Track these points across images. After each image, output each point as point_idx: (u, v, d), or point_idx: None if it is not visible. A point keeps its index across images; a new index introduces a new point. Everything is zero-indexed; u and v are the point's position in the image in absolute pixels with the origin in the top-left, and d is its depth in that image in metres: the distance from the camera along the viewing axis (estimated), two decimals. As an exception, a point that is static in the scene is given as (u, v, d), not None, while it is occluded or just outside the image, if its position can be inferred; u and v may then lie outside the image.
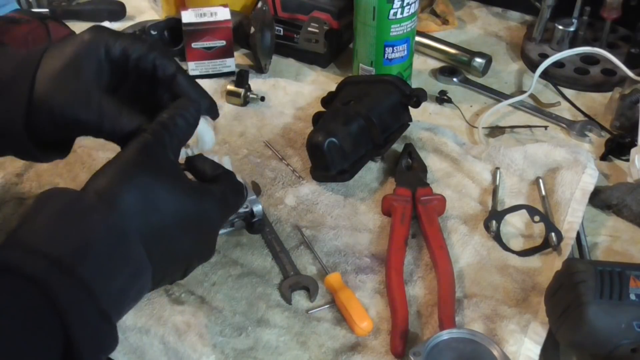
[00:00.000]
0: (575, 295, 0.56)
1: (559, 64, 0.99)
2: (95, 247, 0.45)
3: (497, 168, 0.80)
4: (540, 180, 0.78)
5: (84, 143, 0.82)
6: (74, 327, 0.41)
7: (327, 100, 0.86)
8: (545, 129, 0.90)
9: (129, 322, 0.62)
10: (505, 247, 0.71)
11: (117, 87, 0.58)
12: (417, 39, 1.00)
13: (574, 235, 0.71)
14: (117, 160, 0.50)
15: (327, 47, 1.00)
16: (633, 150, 0.80)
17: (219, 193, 0.55)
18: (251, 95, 0.93)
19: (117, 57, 0.56)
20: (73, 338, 0.41)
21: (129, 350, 0.61)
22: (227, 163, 0.71)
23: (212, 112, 0.60)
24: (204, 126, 0.59)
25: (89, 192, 0.47)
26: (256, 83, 0.97)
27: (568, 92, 0.97)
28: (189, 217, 0.51)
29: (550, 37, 1.03)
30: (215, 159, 0.62)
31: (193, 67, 0.98)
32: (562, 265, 0.61)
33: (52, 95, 0.53)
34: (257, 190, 0.78)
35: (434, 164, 0.82)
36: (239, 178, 0.60)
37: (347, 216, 0.76)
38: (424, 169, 0.80)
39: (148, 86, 0.58)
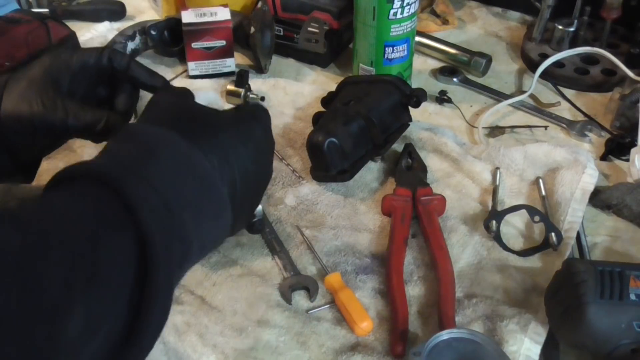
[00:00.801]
0: (576, 295, 0.56)
1: (559, 64, 0.99)
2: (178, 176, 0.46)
3: (497, 168, 0.80)
4: (540, 180, 0.78)
5: (84, 142, 0.82)
6: (149, 227, 0.41)
7: (327, 100, 0.86)
8: (545, 129, 0.90)
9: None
10: (505, 247, 0.71)
11: (79, 90, 0.64)
12: (417, 39, 1.00)
13: (574, 235, 0.71)
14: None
15: (327, 47, 1.00)
16: (633, 150, 0.80)
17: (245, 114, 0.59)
18: (251, 95, 0.93)
19: (77, 69, 0.63)
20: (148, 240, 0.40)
21: (129, 350, 0.61)
22: None
23: (168, 88, 0.68)
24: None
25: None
26: (256, 83, 0.97)
27: (568, 92, 0.97)
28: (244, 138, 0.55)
29: (550, 37, 1.03)
30: None
31: (193, 67, 0.98)
32: (562, 265, 0.61)
33: (19, 108, 0.59)
34: (257, 190, 0.78)
35: (434, 164, 0.82)
36: None
37: (347, 216, 0.76)
38: (424, 169, 0.80)
39: (108, 79, 0.66)
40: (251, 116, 0.59)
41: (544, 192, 0.77)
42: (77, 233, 0.39)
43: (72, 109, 0.60)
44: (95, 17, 1.13)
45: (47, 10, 1.12)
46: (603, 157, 0.85)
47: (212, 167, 0.49)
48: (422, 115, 0.92)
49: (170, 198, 0.44)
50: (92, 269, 0.38)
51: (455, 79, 1.00)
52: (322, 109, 0.85)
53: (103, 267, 0.39)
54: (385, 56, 0.91)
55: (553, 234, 0.70)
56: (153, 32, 1.00)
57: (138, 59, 1.01)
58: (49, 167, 0.81)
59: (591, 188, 0.76)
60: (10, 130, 0.59)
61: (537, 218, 0.71)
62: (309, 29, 1.00)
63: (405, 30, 0.90)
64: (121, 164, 0.44)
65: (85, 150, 0.83)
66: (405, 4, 0.86)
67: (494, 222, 0.72)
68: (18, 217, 0.38)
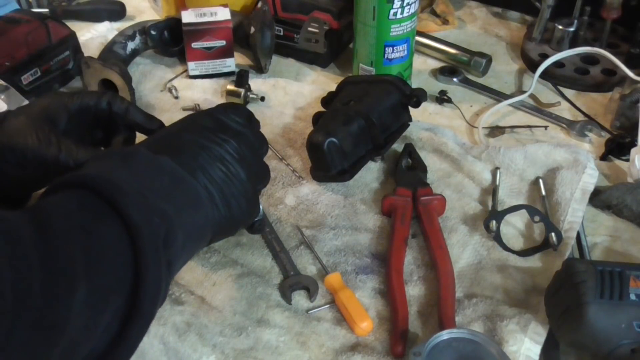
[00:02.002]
0: (576, 295, 0.56)
1: (559, 64, 0.99)
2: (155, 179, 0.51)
3: (497, 168, 0.80)
4: (540, 180, 0.78)
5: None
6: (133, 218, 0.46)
7: (327, 100, 0.86)
8: (545, 129, 0.90)
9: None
10: (505, 247, 0.71)
11: (76, 130, 0.65)
12: (417, 39, 1.00)
13: (574, 235, 0.71)
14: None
15: (327, 47, 1.00)
16: (633, 150, 0.80)
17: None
18: (251, 95, 0.93)
19: (75, 110, 0.65)
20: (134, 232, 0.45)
21: (129, 350, 0.61)
22: None
23: None
24: None
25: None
26: (256, 83, 0.97)
27: (568, 92, 0.97)
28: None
29: (550, 37, 1.03)
30: None
31: (193, 67, 0.98)
32: (562, 265, 0.61)
33: (14, 139, 0.60)
34: (257, 190, 0.78)
35: (434, 164, 0.82)
36: None
37: (347, 216, 0.76)
38: (424, 169, 0.80)
39: (106, 122, 0.67)
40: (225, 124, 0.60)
41: (544, 192, 0.77)
42: (70, 226, 0.43)
43: (66, 145, 0.61)
44: (95, 17, 1.13)
45: (47, 10, 1.13)
46: (603, 157, 0.85)
47: (179, 166, 0.53)
48: (422, 115, 0.92)
49: (143, 188, 0.49)
50: (88, 251, 0.43)
51: (455, 79, 1.00)
52: (322, 109, 0.85)
53: (96, 249, 0.44)
54: (385, 56, 0.91)
55: (553, 234, 0.70)
56: (153, 32, 1.00)
57: (138, 58, 1.01)
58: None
59: (591, 188, 0.76)
60: (1, 160, 0.60)
61: (537, 218, 0.71)
62: (309, 29, 1.00)
63: (405, 30, 0.90)
64: (97, 173, 0.49)
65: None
66: (405, 4, 0.86)
67: (494, 222, 0.72)
68: (25, 214, 0.42)
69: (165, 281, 0.47)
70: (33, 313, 0.37)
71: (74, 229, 0.43)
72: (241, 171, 0.57)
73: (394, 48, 0.91)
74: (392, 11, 0.87)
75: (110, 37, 1.01)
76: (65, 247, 0.41)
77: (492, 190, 0.78)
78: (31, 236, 0.40)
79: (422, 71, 1.03)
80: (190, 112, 0.91)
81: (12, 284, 0.36)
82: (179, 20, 0.96)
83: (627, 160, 0.81)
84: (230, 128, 0.59)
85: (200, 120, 0.60)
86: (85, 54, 0.97)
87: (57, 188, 0.48)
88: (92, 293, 0.41)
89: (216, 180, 0.55)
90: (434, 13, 1.13)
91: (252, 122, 0.64)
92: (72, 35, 0.97)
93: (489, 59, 1.02)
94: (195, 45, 0.96)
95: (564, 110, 0.94)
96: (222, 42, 0.96)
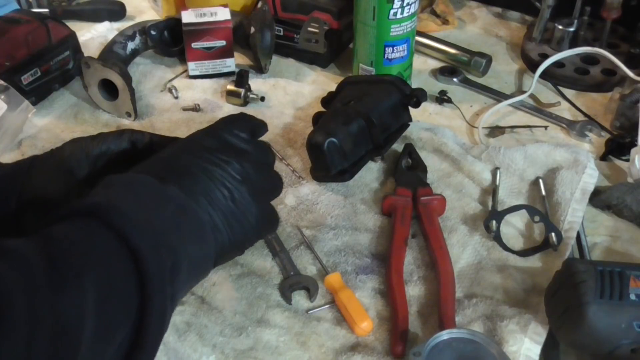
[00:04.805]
0: (576, 295, 0.56)
1: (559, 64, 0.99)
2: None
3: (497, 168, 0.80)
4: (540, 180, 0.78)
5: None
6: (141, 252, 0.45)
7: (327, 100, 0.86)
8: (545, 129, 0.90)
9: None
10: (505, 247, 0.71)
11: (99, 174, 0.63)
12: (417, 39, 1.00)
13: (574, 235, 0.71)
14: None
15: (327, 47, 1.00)
16: (633, 150, 0.80)
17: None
18: (251, 95, 0.93)
19: (97, 154, 0.63)
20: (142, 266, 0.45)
21: (129, 350, 0.61)
22: None
23: None
24: None
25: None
26: (256, 83, 0.97)
27: (568, 92, 0.97)
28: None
29: (550, 37, 1.03)
30: None
31: (193, 67, 0.98)
32: (562, 265, 0.61)
33: (39, 192, 0.60)
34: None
35: (434, 164, 0.82)
36: None
37: (347, 216, 0.76)
38: (424, 169, 0.80)
39: (130, 158, 0.64)
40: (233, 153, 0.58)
41: (544, 192, 0.77)
42: (80, 259, 0.43)
43: (85, 193, 0.60)
44: (95, 17, 1.13)
45: (47, 10, 1.13)
46: (603, 157, 0.85)
47: (182, 192, 0.53)
48: (422, 115, 0.92)
49: (151, 219, 0.48)
50: (97, 284, 0.43)
51: (455, 79, 1.00)
52: (322, 109, 0.85)
53: (105, 282, 0.44)
54: (385, 56, 0.91)
55: (553, 234, 0.70)
56: (153, 32, 1.00)
57: (138, 58, 1.01)
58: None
59: (591, 188, 0.76)
60: (23, 213, 0.60)
61: (537, 218, 0.71)
62: (309, 29, 1.00)
63: (405, 30, 0.90)
64: (107, 202, 0.48)
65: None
66: (405, 4, 0.86)
67: (494, 222, 0.72)
68: (33, 243, 0.43)
69: (169, 314, 0.48)
70: (44, 344, 0.38)
71: (84, 263, 0.43)
72: (245, 192, 0.56)
73: (394, 48, 0.91)
74: (392, 11, 0.87)
75: (110, 37, 1.01)
76: (75, 281, 0.41)
77: (492, 190, 0.78)
78: (42, 268, 0.40)
79: (422, 71, 1.03)
80: (190, 112, 0.92)
81: (25, 313, 0.37)
82: (179, 20, 0.96)
83: (627, 160, 0.81)
84: (232, 146, 0.58)
85: (201, 140, 0.58)
86: (85, 54, 0.97)
87: (66, 216, 0.47)
88: (100, 328, 0.42)
89: (219, 206, 0.54)
90: (434, 13, 1.13)
91: (257, 134, 0.62)
92: (72, 35, 0.97)
93: (489, 59, 1.02)
94: (195, 45, 0.96)
95: (564, 110, 0.94)
96: (222, 42, 0.96)
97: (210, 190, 0.55)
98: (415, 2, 0.88)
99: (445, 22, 1.12)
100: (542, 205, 0.75)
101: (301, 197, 0.78)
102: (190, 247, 0.51)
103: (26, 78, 0.91)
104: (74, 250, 0.44)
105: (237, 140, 0.59)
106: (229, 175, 0.56)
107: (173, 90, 0.96)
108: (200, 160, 0.56)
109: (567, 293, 0.58)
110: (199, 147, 0.57)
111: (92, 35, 1.08)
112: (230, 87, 0.94)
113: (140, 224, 0.47)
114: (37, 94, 0.93)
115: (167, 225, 0.50)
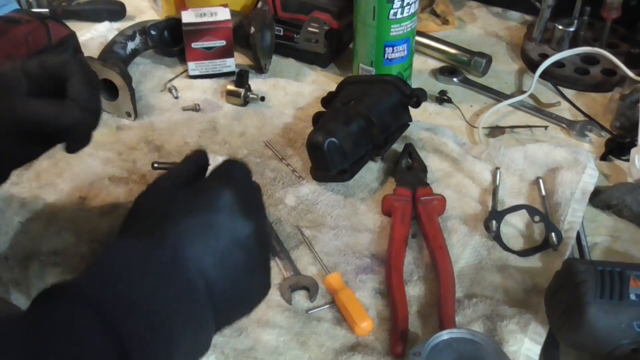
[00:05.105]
0: (576, 295, 0.56)
1: (559, 64, 0.99)
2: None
3: (497, 168, 0.80)
4: (540, 180, 0.78)
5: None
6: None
7: (327, 100, 0.86)
8: (545, 129, 0.90)
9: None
10: (505, 247, 0.71)
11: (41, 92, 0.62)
12: (417, 39, 1.00)
13: (574, 235, 0.72)
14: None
15: (327, 47, 1.00)
16: (633, 150, 0.80)
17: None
18: (251, 95, 0.93)
19: (35, 70, 0.61)
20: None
21: (129, 350, 0.61)
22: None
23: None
24: None
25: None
26: (256, 83, 0.97)
27: (568, 92, 0.97)
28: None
29: (550, 37, 1.03)
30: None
31: (193, 67, 0.98)
32: (562, 265, 0.61)
33: None
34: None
35: (434, 164, 0.82)
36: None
37: (347, 216, 0.76)
38: (424, 169, 0.80)
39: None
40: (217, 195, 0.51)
41: (544, 192, 0.77)
42: (65, 350, 0.41)
43: (31, 104, 0.59)
44: (95, 17, 1.13)
45: (47, 10, 1.12)
46: (603, 157, 0.85)
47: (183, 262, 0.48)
48: (422, 115, 0.92)
49: (147, 308, 0.44)
50: None
51: (455, 79, 1.00)
52: (322, 109, 0.85)
53: None
54: (385, 56, 0.91)
55: (553, 234, 0.70)
56: (153, 32, 1.00)
57: (138, 58, 1.01)
58: (49, 166, 0.81)
59: (591, 188, 0.76)
60: None
61: (537, 218, 0.71)
62: (309, 29, 1.00)
63: (405, 30, 0.90)
64: (100, 289, 0.44)
65: (86, 150, 0.83)
66: (405, 4, 0.86)
67: (494, 222, 0.72)
68: (20, 326, 0.41)
69: None
70: None
71: (69, 354, 0.41)
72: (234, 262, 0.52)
73: (394, 48, 0.91)
74: (392, 11, 0.87)
75: (110, 37, 1.01)
76: None
77: (492, 190, 0.78)
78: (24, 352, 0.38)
79: (422, 71, 1.03)
80: (190, 112, 0.92)
81: None
82: (179, 20, 0.96)
83: (627, 160, 0.81)
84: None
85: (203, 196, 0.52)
86: (85, 54, 0.97)
87: (55, 296, 0.44)
88: None
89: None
90: (434, 13, 1.13)
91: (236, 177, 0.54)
92: (72, 35, 0.97)
93: (489, 59, 1.02)
94: (195, 45, 0.96)
95: (564, 110, 0.94)
96: (222, 42, 0.96)
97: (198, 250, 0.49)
98: (415, 2, 0.88)
99: (445, 22, 1.12)
100: (542, 205, 0.75)
101: (301, 197, 0.78)
102: (188, 338, 0.47)
103: (26, 78, 0.91)
104: (58, 340, 0.41)
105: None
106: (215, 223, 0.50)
107: (173, 90, 0.96)
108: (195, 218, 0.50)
109: (567, 293, 0.58)
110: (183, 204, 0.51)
111: (92, 35, 1.08)
112: (230, 87, 0.94)
113: (133, 318, 0.43)
114: (37, 94, 0.93)
115: (166, 314, 0.45)
